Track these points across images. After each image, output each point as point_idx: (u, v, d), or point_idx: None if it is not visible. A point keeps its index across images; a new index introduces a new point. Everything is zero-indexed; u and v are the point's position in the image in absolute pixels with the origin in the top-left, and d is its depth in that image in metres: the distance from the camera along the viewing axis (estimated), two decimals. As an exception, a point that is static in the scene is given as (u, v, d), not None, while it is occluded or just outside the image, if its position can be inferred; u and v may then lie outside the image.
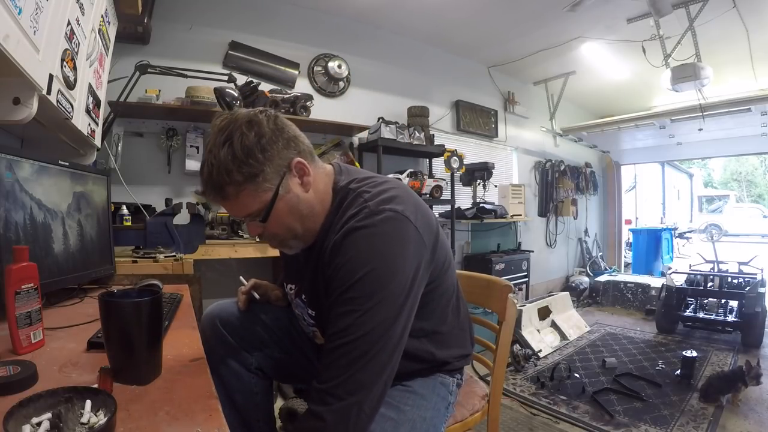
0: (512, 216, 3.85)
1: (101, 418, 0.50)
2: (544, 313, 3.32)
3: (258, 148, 0.68)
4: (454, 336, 0.93)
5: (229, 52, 2.70)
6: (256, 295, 1.03)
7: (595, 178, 5.63)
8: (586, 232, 5.55)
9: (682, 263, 4.96)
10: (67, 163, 1.10)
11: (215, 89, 2.02)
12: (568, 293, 3.82)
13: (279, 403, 1.76)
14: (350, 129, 2.99)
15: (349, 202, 0.74)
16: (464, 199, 3.78)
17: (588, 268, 5.33)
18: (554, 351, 3.02)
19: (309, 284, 0.85)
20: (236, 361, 0.98)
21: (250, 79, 2.40)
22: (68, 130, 1.30)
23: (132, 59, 2.02)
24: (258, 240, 0.90)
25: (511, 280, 3.49)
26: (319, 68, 3.06)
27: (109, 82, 1.81)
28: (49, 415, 0.48)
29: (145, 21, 2.12)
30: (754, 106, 3.78)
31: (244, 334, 1.00)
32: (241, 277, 1.08)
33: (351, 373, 0.63)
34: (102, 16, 1.51)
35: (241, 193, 0.69)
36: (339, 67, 3.08)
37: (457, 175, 3.45)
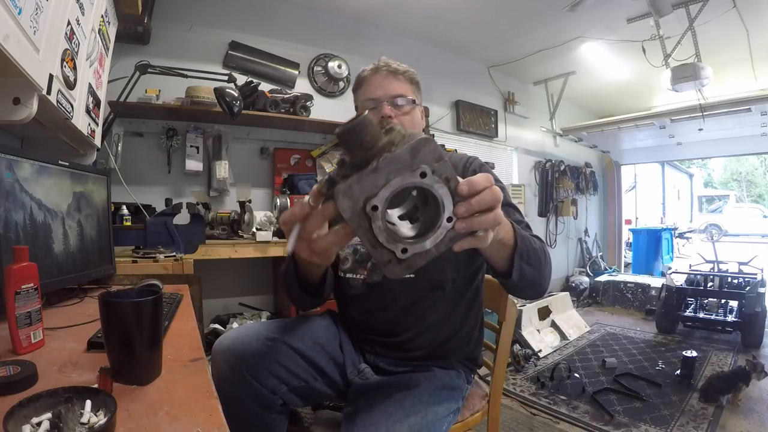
0: (512, 216, 3.85)
1: (101, 418, 0.49)
2: (544, 313, 3.32)
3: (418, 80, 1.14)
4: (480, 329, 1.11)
5: (229, 52, 2.70)
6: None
7: (595, 178, 5.63)
8: (586, 232, 5.55)
9: (682, 263, 4.96)
10: (67, 163, 1.10)
11: (215, 89, 2.02)
12: (568, 293, 3.82)
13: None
14: (350, 129, 2.99)
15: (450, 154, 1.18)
16: (464, 199, 3.78)
17: (588, 268, 5.33)
18: (554, 351, 3.02)
19: None
20: (259, 404, 0.89)
21: (250, 79, 2.39)
22: (68, 130, 1.30)
23: (132, 59, 2.01)
24: (385, 121, 1.01)
25: (511, 280, 3.49)
26: (319, 68, 3.06)
27: (109, 82, 1.81)
28: (49, 415, 0.48)
29: (145, 21, 2.12)
30: (754, 106, 3.77)
31: (271, 371, 0.90)
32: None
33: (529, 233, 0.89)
34: (102, 16, 1.51)
35: (405, 83, 1.08)
36: (339, 67, 3.08)
37: (458, 175, 3.45)
